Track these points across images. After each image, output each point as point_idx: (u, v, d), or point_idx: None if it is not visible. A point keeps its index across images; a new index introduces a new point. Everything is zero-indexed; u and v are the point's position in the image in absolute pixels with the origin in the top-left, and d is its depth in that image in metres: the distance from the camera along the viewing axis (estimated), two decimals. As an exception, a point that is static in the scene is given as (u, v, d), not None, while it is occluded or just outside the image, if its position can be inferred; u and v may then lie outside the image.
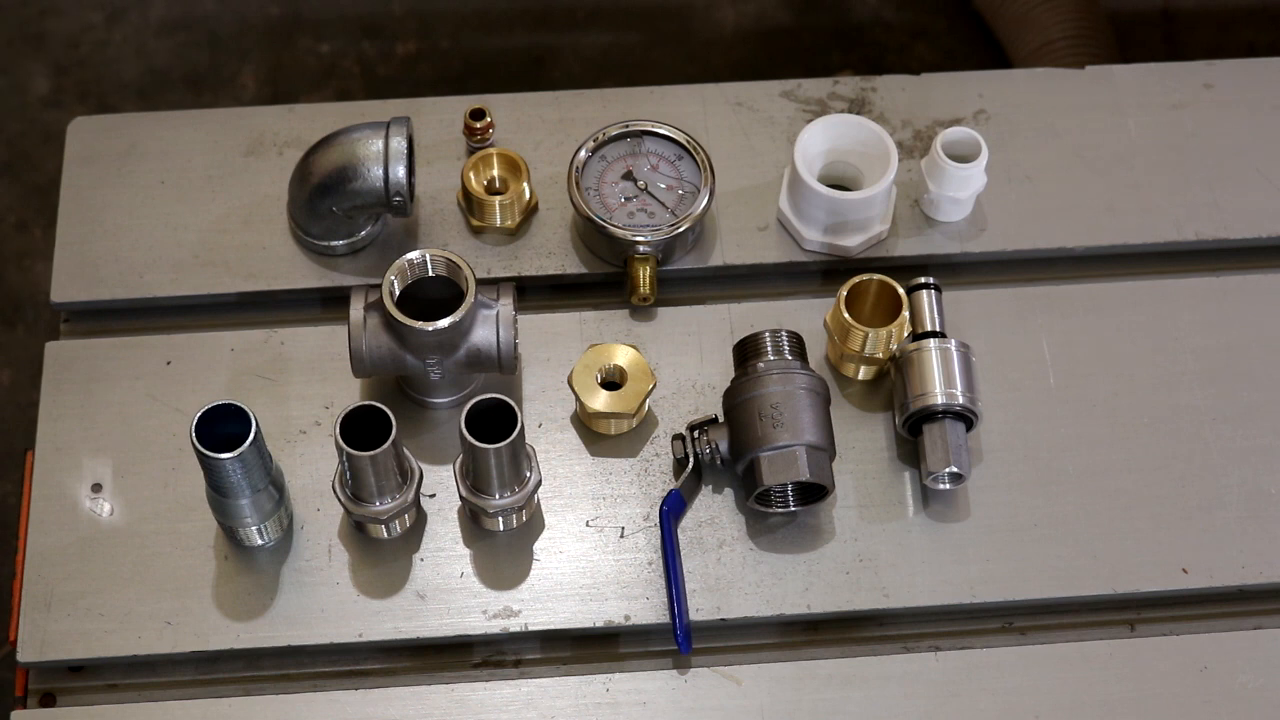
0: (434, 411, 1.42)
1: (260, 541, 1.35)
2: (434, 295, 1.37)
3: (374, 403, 1.26)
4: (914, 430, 1.38)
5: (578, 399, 1.38)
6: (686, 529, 1.37)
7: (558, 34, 2.51)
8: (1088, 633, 1.37)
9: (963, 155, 1.47)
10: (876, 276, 1.40)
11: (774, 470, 1.32)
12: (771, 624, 1.36)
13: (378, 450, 1.25)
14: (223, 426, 1.24)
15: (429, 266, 1.35)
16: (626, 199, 1.47)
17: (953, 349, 1.37)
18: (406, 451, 1.33)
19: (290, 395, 1.42)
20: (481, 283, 1.38)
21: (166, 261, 1.48)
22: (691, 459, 1.37)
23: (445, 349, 1.35)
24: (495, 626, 1.33)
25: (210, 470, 1.26)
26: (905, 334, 1.40)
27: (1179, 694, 1.32)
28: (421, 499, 1.38)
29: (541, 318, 1.47)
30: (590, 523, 1.38)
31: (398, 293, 1.35)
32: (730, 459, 1.36)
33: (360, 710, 1.30)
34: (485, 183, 1.50)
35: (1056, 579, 1.36)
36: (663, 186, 1.48)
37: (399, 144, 1.41)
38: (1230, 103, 1.59)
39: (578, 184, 1.46)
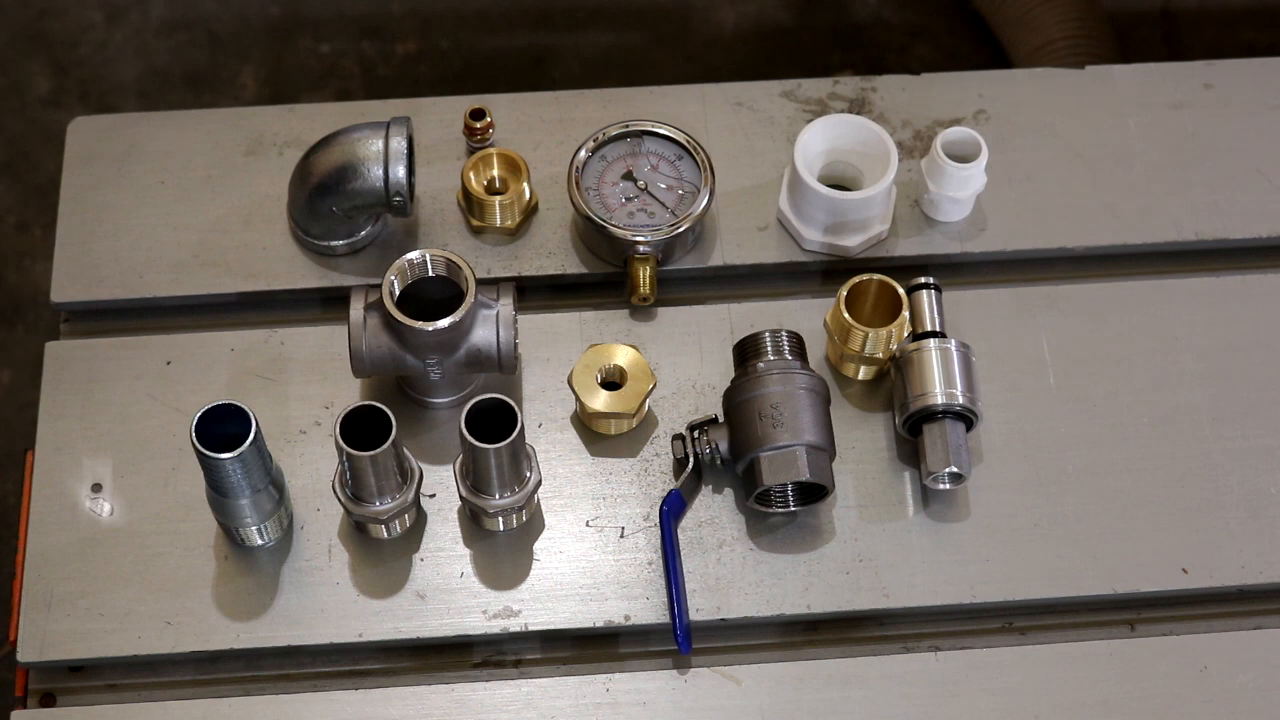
0: (434, 411, 1.42)
1: (260, 541, 1.35)
2: (434, 295, 1.37)
3: (374, 403, 1.26)
4: (914, 430, 1.38)
5: (578, 399, 1.38)
6: (686, 529, 1.37)
7: (558, 34, 2.51)
8: (1088, 633, 1.37)
9: (963, 155, 1.47)
10: (876, 276, 1.40)
11: (774, 470, 1.32)
12: (771, 624, 1.36)
13: (378, 450, 1.25)
14: (223, 426, 1.24)
15: (429, 266, 1.35)
16: (626, 199, 1.47)
17: (953, 349, 1.37)
18: (406, 451, 1.33)
19: (290, 395, 1.42)
20: (481, 283, 1.38)
21: (166, 261, 1.48)
22: (691, 459, 1.37)
23: (445, 349, 1.35)
24: (495, 626, 1.33)
25: (210, 470, 1.26)
26: (905, 334, 1.40)
27: (1179, 694, 1.32)
28: (421, 499, 1.38)
29: (541, 318, 1.47)
30: (590, 523, 1.38)
31: (398, 293, 1.35)
32: (730, 459, 1.36)
33: (360, 710, 1.30)
34: (485, 183, 1.50)
35: (1056, 579, 1.36)
36: (663, 186, 1.48)
37: (399, 144, 1.41)
38: (1230, 103, 1.59)
39: (578, 184, 1.46)
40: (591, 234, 1.47)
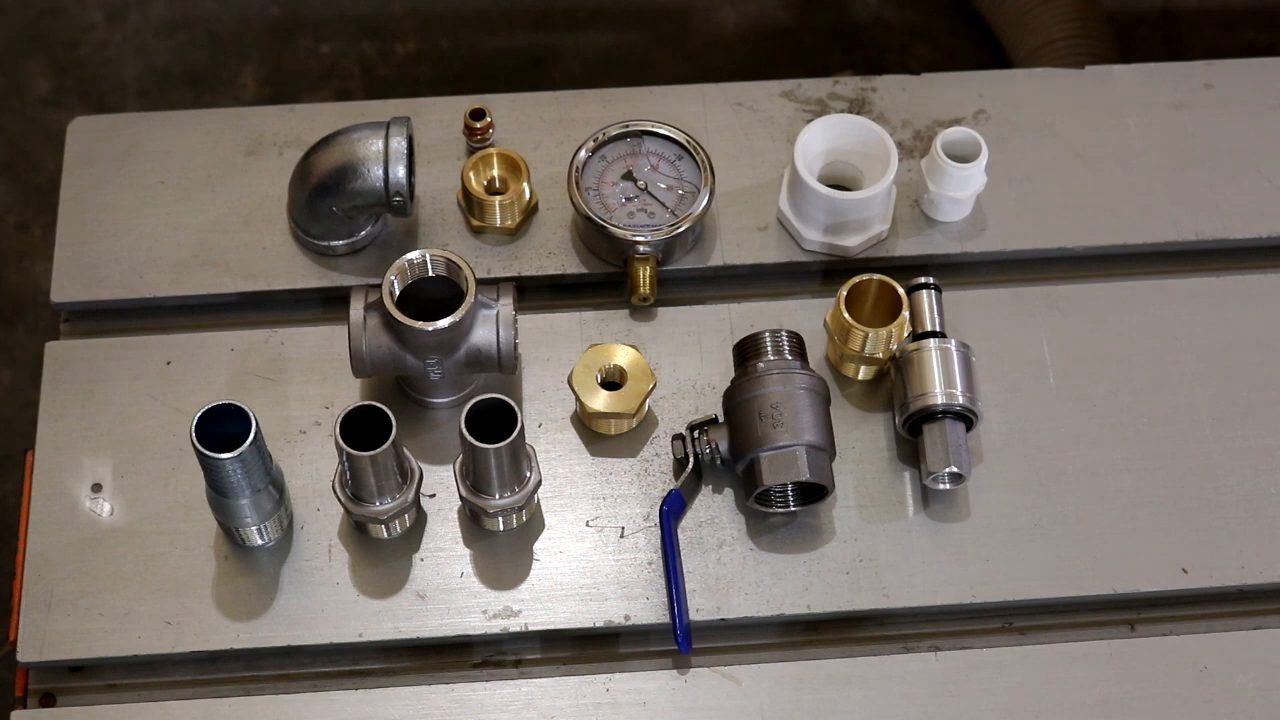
0: (434, 411, 1.42)
1: (260, 541, 1.35)
2: (434, 295, 1.37)
3: (374, 403, 1.26)
4: (914, 430, 1.38)
5: (578, 399, 1.38)
6: (686, 529, 1.37)
7: (558, 34, 2.51)
8: (1088, 633, 1.37)
9: (963, 155, 1.47)
10: (876, 276, 1.40)
11: (774, 470, 1.32)
12: (771, 624, 1.36)
13: (378, 450, 1.25)
14: (223, 426, 1.24)
15: (429, 266, 1.35)
16: (627, 199, 1.47)
17: (953, 349, 1.37)
18: (406, 451, 1.33)
19: (290, 395, 1.42)
20: (481, 283, 1.38)
21: (166, 261, 1.48)
22: (691, 459, 1.37)
23: (445, 349, 1.35)
24: (495, 626, 1.33)
25: (210, 470, 1.26)
26: (905, 334, 1.40)
27: (1179, 694, 1.32)
28: (421, 499, 1.38)
29: (541, 318, 1.47)
30: (590, 523, 1.38)
31: (398, 293, 1.35)
32: (730, 459, 1.36)
33: (360, 710, 1.30)
34: (485, 183, 1.50)
35: (1056, 579, 1.36)
36: (663, 186, 1.48)
37: (399, 144, 1.41)
38: (1230, 103, 1.59)
39: (578, 184, 1.46)
40: (591, 234, 1.47)
